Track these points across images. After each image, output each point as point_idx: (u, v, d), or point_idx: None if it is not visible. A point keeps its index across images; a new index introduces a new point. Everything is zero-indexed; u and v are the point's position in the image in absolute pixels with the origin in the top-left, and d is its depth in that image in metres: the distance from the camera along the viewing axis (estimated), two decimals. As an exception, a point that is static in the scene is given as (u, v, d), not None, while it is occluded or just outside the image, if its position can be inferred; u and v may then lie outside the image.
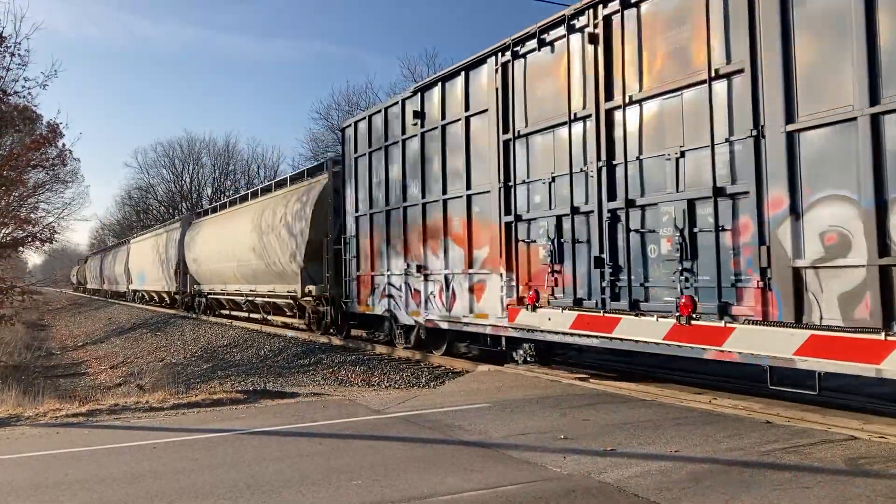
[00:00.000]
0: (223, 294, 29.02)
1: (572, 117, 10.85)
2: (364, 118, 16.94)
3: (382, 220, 16.04)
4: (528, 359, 12.09)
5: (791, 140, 8.03)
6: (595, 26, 10.48)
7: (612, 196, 10.31)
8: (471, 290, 13.09)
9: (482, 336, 13.23)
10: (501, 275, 12.24)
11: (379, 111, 16.25)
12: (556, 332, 11.11)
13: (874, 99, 7.24)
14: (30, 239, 28.77)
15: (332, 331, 19.24)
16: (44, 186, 38.02)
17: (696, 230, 9.14)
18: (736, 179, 8.70)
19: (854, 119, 7.38)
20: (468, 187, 13.17)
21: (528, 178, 11.82)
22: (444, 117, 13.87)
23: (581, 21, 10.73)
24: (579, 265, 10.84)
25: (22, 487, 6.25)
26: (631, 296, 9.94)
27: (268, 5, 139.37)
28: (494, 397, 10.00)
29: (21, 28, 72.29)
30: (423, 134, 14.52)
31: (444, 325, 13.86)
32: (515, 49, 11.95)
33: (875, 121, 7.23)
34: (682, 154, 9.34)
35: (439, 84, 13.94)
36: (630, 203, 9.96)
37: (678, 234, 9.27)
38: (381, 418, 8.92)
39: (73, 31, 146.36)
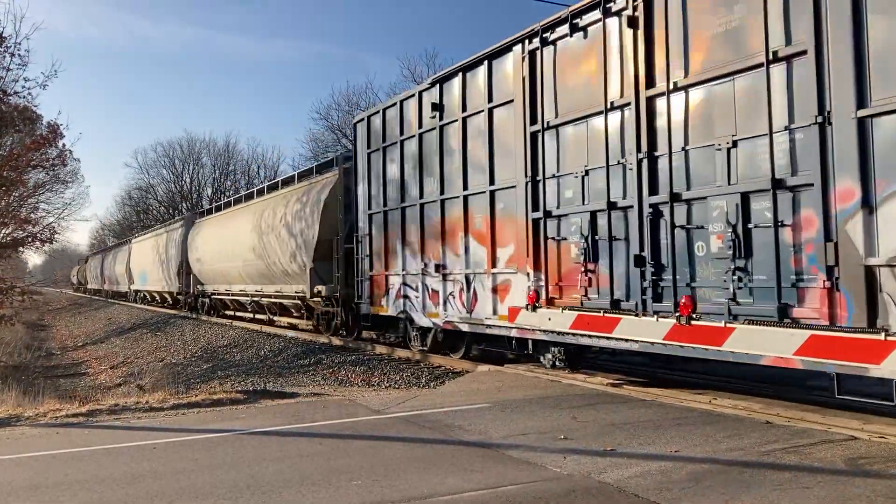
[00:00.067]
0: (227, 294, 27.92)
1: (609, 106, 9.96)
2: (378, 112, 15.94)
3: (398, 218, 15.05)
4: (558, 363, 11.15)
5: (862, 127, 7.18)
6: (634, 9, 9.59)
7: (653, 190, 9.42)
8: (494, 290, 12.17)
9: (506, 339, 12.31)
10: (528, 274, 11.33)
11: (394, 104, 15.28)
12: (556, 332, 10.76)
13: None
14: (30, 239, 28.33)
15: (341, 332, 18.27)
16: (44, 187, 37.30)
17: (750, 226, 8.27)
18: (797, 170, 7.84)
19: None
20: (491, 182, 12.26)
21: (558, 171, 10.92)
22: (464, 109, 12.94)
23: (618, 3, 9.84)
24: (616, 264, 9.94)
25: (22, 488, 6.15)
26: (676, 297, 9.04)
27: (268, 5, 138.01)
28: (494, 397, 9.79)
29: (21, 28, 71.08)
30: (441, 127, 13.58)
31: (465, 328, 12.93)
32: (545, 35, 11.04)
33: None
34: (735, 144, 8.45)
35: (460, 74, 13.01)
36: (675, 197, 9.07)
37: (730, 230, 8.39)
38: (381, 418, 8.71)
39: (73, 31, 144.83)
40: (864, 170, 7.15)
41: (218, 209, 31.10)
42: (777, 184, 7.92)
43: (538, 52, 11.15)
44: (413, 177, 14.51)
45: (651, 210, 9.41)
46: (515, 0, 73.93)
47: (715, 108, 8.70)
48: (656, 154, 9.41)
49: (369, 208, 16.27)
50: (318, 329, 19.79)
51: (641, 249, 9.52)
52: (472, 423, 8.18)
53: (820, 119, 7.49)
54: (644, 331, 9.35)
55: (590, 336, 10.16)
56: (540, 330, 11.05)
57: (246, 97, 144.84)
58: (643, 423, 7.87)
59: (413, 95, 14.48)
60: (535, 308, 11.09)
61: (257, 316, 25.43)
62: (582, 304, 10.32)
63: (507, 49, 11.85)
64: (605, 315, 9.89)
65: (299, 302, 20.52)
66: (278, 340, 20.52)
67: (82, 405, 9.93)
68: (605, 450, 6.75)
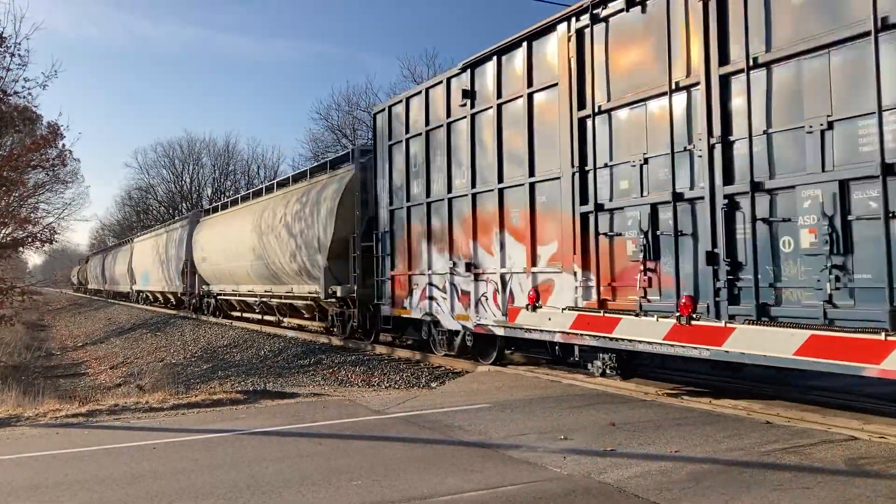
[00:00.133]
0: (235, 295, 26.37)
1: (673, 87, 8.72)
2: (400, 101, 14.59)
3: (423, 214, 13.73)
4: (608, 371, 9.90)
5: None
6: (705, -23, 8.36)
7: (728, 179, 8.21)
8: (534, 291, 10.90)
9: (549, 344, 11.06)
10: (575, 274, 10.09)
11: (418, 93, 13.96)
12: (557, 332, 10.30)
13: None
14: (30, 239, 27.45)
15: (358, 335, 16.95)
16: (44, 187, 36.58)
17: (850, 218, 7.08)
18: (913, 153, 6.62)
19: None
20: (531, 174, 11.00)
21: (610, 160, 9.69)
22: (499, 95, 11.68)
23: (686, -28, 8.61)
24: (683, 262, 8.71)
25: (22, 488, 6.05)
26: (758, 298, 7.82)
27: (268, 5, 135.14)
28: (494, 397, 9.58)
29: (21, 28, 69.16)
30: (473, 115, 12.31)
31: (500, 332, 11.65)
32: (595, 12, 9.80)
33: None
34: (830, 125, 7.25)
35: (494, 58, 11.73)
36: (756, 186, 7.85)
37: (826, 222, 7.18)
38: (381, 419, 8.56)
39: (73, 31, 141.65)
40: None
41: (224, 207, 29.44)
42: (888, 169, 6.72)
43: (587, 30, 9.92)
44: (441, 169, 13.22)
45: (726, 202, 8.19)
46: (515, 0, 72.62)
47: (806, 86, 7.50)
48: (731, 139, 8.20)
49: (390, 204, 14.92)
50: (331, 331, 18.44)
51: (714, 246, 8.30)
52: (472, 423, 8.01)
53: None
54: (644, 331, 8.89)
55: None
56: (540, 330, 10.65)
57: (246, 97, 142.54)
58: (643, 423, 7.70)
59: (440, 83, 13.18)
60: (535, 308, 10.66)
61: (266, 317, 23.98)
62: (640, 306, 9.09)
63: (549, 28, 10.61)
64: (605, 315, 9.47)
65: (312, 303, 19.13)
66: (278, 340, 19.77)
67: (82, 405, 9.73)
68: (605, 450, 6.60)
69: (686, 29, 8.66)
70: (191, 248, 30.45)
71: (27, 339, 34.84)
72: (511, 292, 11.36)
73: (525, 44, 11.04)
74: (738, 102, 8.12)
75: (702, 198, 8.45)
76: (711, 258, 8.29)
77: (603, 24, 9.75)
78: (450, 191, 12.94)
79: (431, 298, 13.47)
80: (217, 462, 6.64)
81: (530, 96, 11.00)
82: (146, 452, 7.07)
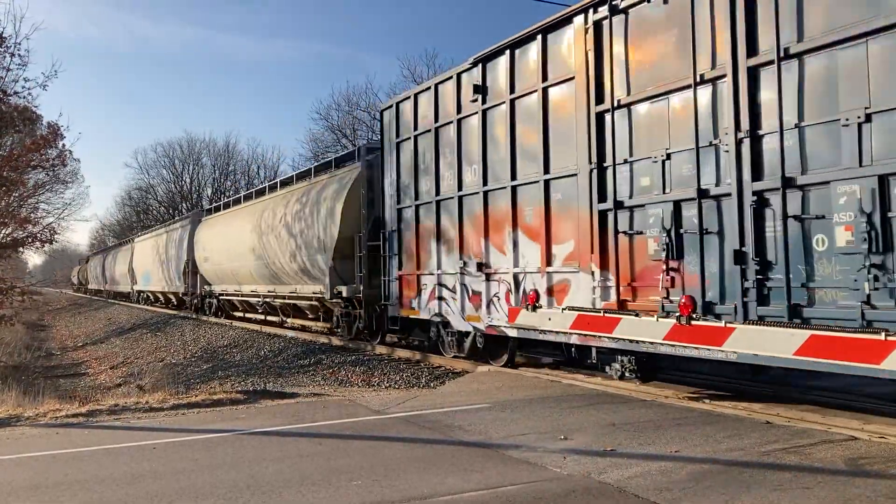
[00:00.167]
0: (237, 295, 25.84)
1: (698, 80, 8.30)
2: (409, 97, 14.13)
3: (432, 212, 13.28)
4: (627, 374, 9.47)
5: None
6: (732, -35, 7.94)
7: (757, 175, 7.80)
8: (549, 291, 10.49)
9: (564, 346, 10.63)
10: (593, 273, 9.66)
11: (427, 89, 13.51)
12: (557, 332, 10.12)
13: None
14: (30, 239, 27.04)
15: (363, 336, 16.48)
16: (44, 187, 36.16)
17: (892, 214, 6.68)
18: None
19: None
20: (546, 171, 10.56)
21: (630, 156, 9.26)
22: (512, 90, 11.24)
23: (710, -40, 8.19)
24: (709, 262, 8.30)
25: (22, 488, 5.99)
26: (790, 299, 7.40)
27: (268, 5, 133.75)
28: (494, 397, 9.46)
29: (21, 28, 68.42)
30: (484, 111, 11.86)
31: (513, 333, 11.21)
32: (614, 3, 9.38)
33: None
34: (868, 118, 6.85)
35: (507, 52, 11.29)
36: (787, 182, 7.43)
37: (864, 219, 6.79)
38: (381, 419, 8.48)
39: (73, 31, 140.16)
40: None
41: (226, 206, 28.89)
42: (933, 163, 6.31)
43: (606, 22, 9.50)
44: (451, 167, 12.77)
45: (755, 198, 7.78)
46: (515, 0, 72.13)
47: (841, 77, 7.08)
48: (760, 133, 7.79)
49: (398, 202, 14.44)
50: (336, 332, 17.98)
51: (742, 244, 7.89)
52: (472, 423, 7.92)
53: None
54: (644, 331, 8.70)
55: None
56: (539, 330, 10.45)
57: (246, 97, 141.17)
58: (643, 423, 7.60)
59: (450, 78, 12.72)
60: (534, 308, 10.44)
61: (269, 318, 23.48)
62: (663, 307, 8.67)
63: (565, 21, 10.18)
64: (606, 315, 9.28)
65: (317, 303, 18.65)
66: (278, 340, 19.47)
67: (82, 405, 9.64)
68: (606, 450, 6.53)
69: (711, 19, 8.24)
70: (192, 247, 29.93)
71: (27, 339, 34.48)
72: (524, 292, 10.91)
73: (540, 37, 10.60)
74: (767, 95, 7.71)
75: (729, 194, 8.04)
76: (739, 257, 7.88)
77: (622, 16, 9.33)
78: (460, 188, 12.49)
79: (441, 299, 13.01)
80: (217, 462, 6.58)
81: (545, 91, 10.56)
82: (146, 452, 7.01)
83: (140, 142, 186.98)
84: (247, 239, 22.78)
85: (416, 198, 13.79)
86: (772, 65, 7.58)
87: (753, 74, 7.84)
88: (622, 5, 9.28)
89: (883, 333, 6.43)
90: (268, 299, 22.59)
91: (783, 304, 7.46)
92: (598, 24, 9.64)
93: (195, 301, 31.29)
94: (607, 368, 9.82)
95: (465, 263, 12.31)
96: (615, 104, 9.38)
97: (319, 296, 17.78)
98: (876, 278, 6.75)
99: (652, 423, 7.58)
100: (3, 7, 78.69)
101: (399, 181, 14.45)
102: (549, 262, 10.51)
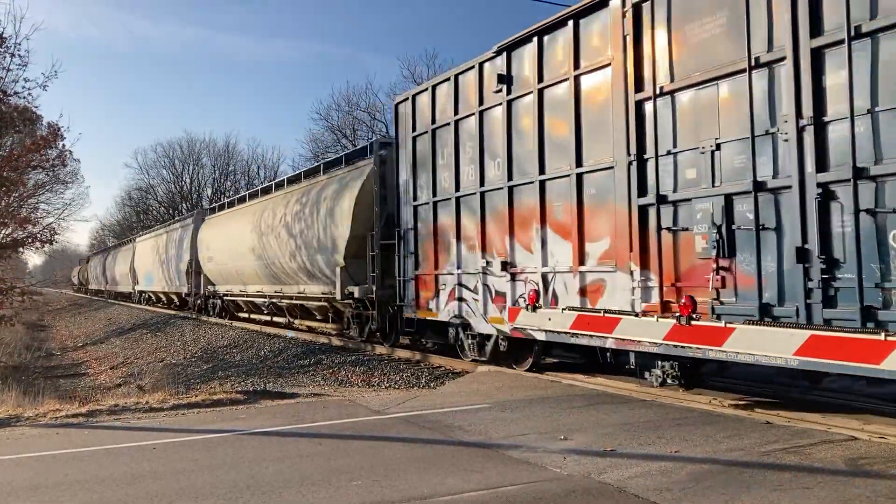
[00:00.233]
0: (242, 296, 24.92)
1: (752, 63, 7.52)
2: (426, 90, 13.30)
3: (451, 209, 12.47)
4: (669, 380, 8.69)
5: None
6: (793, -63, 7.18)
7: (822, 166, 7.04)
8: (582, 292, 9.71)
9: (599, 350, 9.84)
10: (632, 273, 8.89)
11: (446, 80, 12.68)
12: (557, 332, 9.90)
13: None
14: (30, 239, 26.44)
15: (376, 339, 15.67)
16: (44, 187, 35.65)
17: (983, 206, 5.89)
18: None
19: None
20: (578, 164, 9.79)
21: (674, 147, 8.50)
22: (540, 79, 10.46)
23: (768, -67, 7.42)
24: (766, 260, 7.53)
25: (22, 488, 5.94)
26: (862, 300, 6.64)
27: (268, 5, 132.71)
28: (494, 397, 9.36)
29: (21, 28, 67.37)
30: (509, 102, 11.07)
31: (541, 336, 10.42)
32: (657, -17, 8.59)
33: None
34: (954, 101, 6.05)
35: (535, 39, 10.50)
36: (859, 173, 6.66)
37: (951, 212, 5.99)
38: (381, 419, 8.39)
39: (73, 31, 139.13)
40: None
41: (230, 205, 27.95)
42: None
43: (647, 5, 8.74)
44: (472, 161, 11.98)
45: (820, 191, 7.02)
46: (515, 0, 71.27)
47: (922, 57, 6.31)
48: (825, 120, 7.03)
49: (414, 199, 13.62)
50: (345, 334, 17.12)
51: (804, 241, 7.11)
52: (472, 423, 7.85)
53: None
54: (644, 331, 8.49)
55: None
56: (539, 330, 10.21)
57: (246, 97, 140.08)
58: (643, 423, 7.52)
59: (472, 68, 11.91)
60: (535, 308, 10.21)
61: (275, 319, 22.60)
62: (713, 309, 7.90)
63: (600, 4, 9.41)
64: (606, 315, 9.10)
65: (326, 304, 17.81)
66: (278, 341, 19.15)
67: (82, 405, 9.56)
68: (606, 450, 6.47)
69: (768, -1, 7.48)
70: (196, 247, 29.00)
71: (27, 339, 33.91)
72: (555, 293, 10.13)
73: (571, 22, 9.83)
74: (833, 79, 6.95)
75: (789, 187, 7.28)
76: (802, 255, 7.12)
77: (666, -3, 8.55)
78: (482, 184, 11.69)
79: (461, 300, 12.21)
80: (217, 462, 6.52)
81: (577, 79, 9.80)
82: (146, 452, 6.97)
83: (140, 142, 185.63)
84: (252, 239, 21.92)
85: (435, 194, 12.98)
86: (840, 45, 6.82)
87: (818, 56, 7.08)
88: (666, -15, 8.51)
89: (883, 333, 6.29)
90: (274, 300, 21.72)
91: (854, 307, 6.71)
92: (637, 7, 8.87)
93: (198, 301, 30.37)
94: (647, 375, 9.04)
95: (488, 262, 11.52)
96: (657, 92, 8.61)
97: (329, 296, 16.93)
98: (965, 277, 6.01)
99: (652, 423, 7.49)
100: (3, 7, 77.71)
101: (415, 177, 13.63)
102: (581, 262, 9.74)
